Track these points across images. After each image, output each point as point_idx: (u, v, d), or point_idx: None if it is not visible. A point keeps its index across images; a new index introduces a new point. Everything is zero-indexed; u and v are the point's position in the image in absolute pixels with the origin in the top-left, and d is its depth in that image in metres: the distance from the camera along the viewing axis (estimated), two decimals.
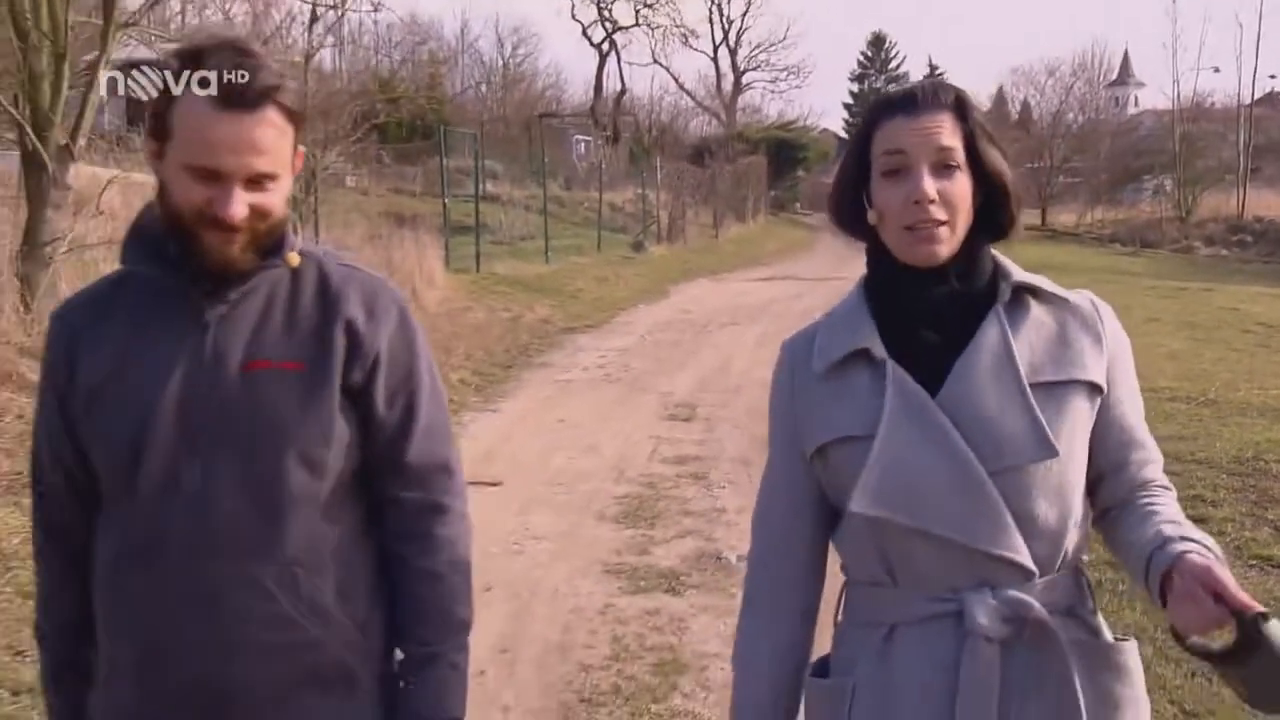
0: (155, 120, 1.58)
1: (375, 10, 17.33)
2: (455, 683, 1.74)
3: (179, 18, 12.56)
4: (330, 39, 19.84)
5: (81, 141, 9.05)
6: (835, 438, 1.58)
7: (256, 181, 1.56)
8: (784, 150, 47.76)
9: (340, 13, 17.04)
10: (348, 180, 21.55)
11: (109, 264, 7.57)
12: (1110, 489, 1.60)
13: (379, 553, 1.75)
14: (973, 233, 1.57)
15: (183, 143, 1.55)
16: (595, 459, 7.87)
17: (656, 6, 46.69)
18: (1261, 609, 1.27)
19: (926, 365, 1.55)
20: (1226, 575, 1.32)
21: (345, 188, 20.62)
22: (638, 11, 46.25)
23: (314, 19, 16.97)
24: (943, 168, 1.53)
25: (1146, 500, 1.56)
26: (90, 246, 9.21)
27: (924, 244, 1.53)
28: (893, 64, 73.13)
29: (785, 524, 1.68)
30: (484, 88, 42.47)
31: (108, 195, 10.12)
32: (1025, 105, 53.88)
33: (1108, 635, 1.59)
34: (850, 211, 1.62)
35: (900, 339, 1.57)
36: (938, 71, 72.40)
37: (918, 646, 1.56)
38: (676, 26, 49.90)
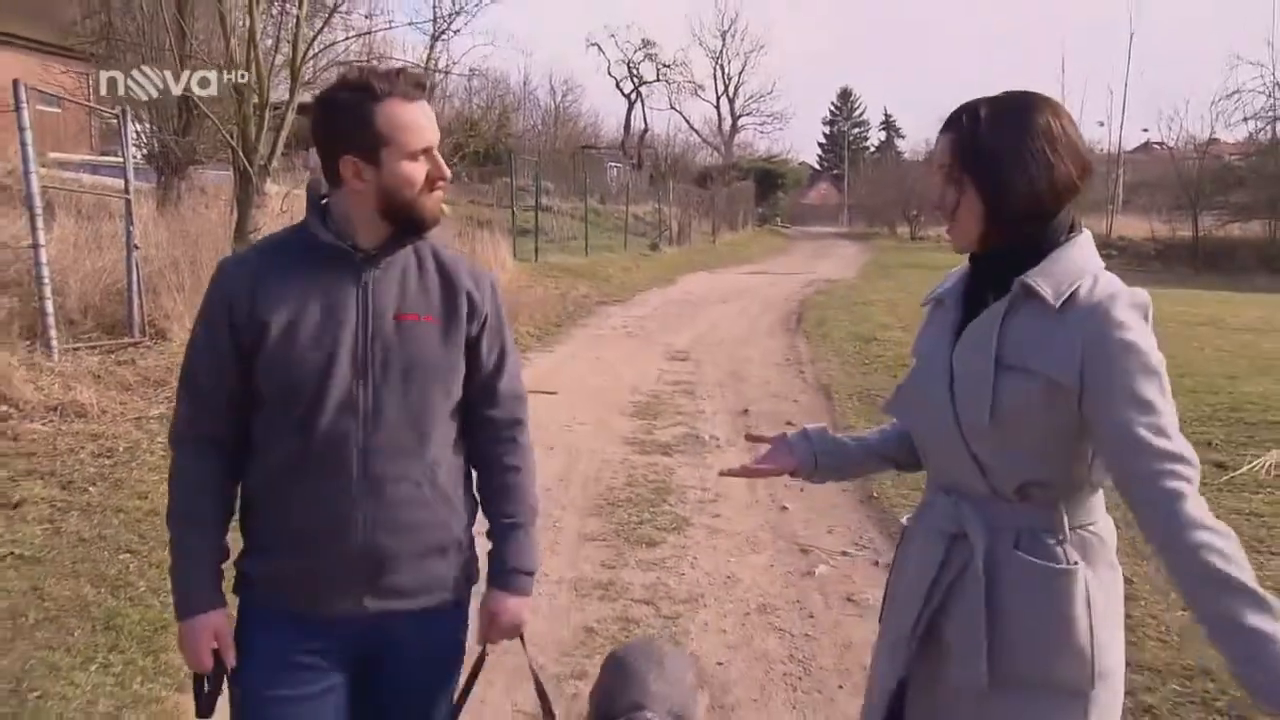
0: (365, 133, 1.53)
1: (470, 75, 18.16)
2: (531, 544, 1.76)
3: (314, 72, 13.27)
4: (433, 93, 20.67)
5: (275, 163, 9.90)
6: (913, 351, 1.62)
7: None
8: (768, 177, 47.08)
9: (442, 73, 17.90)
10: None
11: None
12: (1125, 488, 1.37)
13: (466, 457, 1.77)
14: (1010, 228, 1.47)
15: (401, 136, 1.53)
16: (619, 381, 8.61)
17: (673, 66, 46.45)
18: None
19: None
20: None
21: None
22: (659, 70, 45.99)
23: None
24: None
25: (1185, 536, 1.29)
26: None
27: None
28: (857, 112, 72.52)
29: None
30: (540, 126, 42.67)
31: (285, 202, 10.99)
32: None
33: (1063, 562, 1.43)
34: None
35: (976, 299, 1.53)
36: (891, 118, 72.42)
37: (918, 519, 1.62)
38: (688, 82, 49.51)
